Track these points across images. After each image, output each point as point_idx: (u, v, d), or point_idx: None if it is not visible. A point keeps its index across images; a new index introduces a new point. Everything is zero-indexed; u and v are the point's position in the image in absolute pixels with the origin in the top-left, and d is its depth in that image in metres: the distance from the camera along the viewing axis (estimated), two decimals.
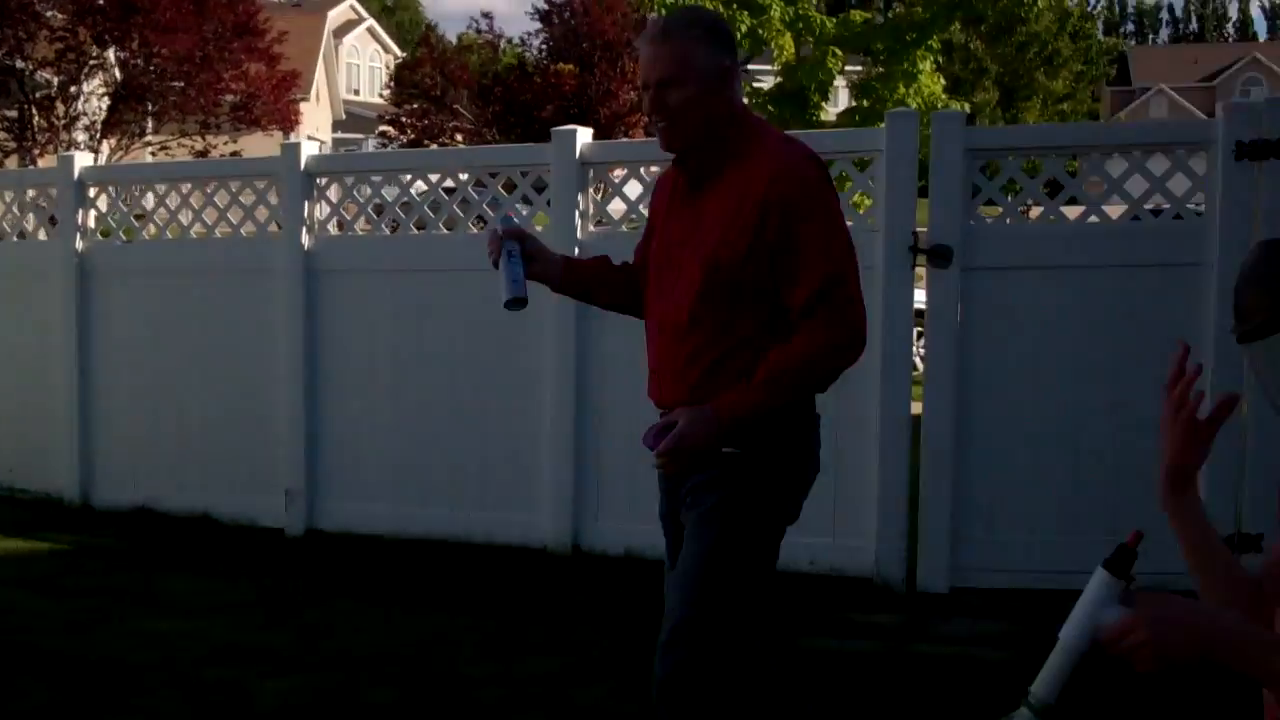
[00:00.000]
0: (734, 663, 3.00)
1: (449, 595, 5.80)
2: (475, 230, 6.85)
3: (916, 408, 5.90)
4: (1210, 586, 1.90)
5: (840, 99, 22.05)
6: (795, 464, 3.05)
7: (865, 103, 17.28)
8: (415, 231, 7.09)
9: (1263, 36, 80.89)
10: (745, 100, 3.13)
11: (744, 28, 16.58)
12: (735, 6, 16.62)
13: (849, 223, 6.28)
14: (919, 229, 5.78)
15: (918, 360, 6.33)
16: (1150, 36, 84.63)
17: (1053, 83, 60.95)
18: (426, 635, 5.24)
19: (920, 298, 5.98)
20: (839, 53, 17.29)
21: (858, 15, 18.45)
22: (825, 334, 2.91)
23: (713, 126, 2.99)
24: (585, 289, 3.38)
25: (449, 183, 7.27)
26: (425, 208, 6.99)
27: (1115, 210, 5.95)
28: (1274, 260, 1.82)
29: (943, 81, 18.21)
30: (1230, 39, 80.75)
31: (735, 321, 2.96)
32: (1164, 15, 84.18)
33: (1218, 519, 5.37)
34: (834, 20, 17.71)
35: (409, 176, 7.09)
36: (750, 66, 32.66)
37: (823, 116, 17.88)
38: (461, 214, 6.94)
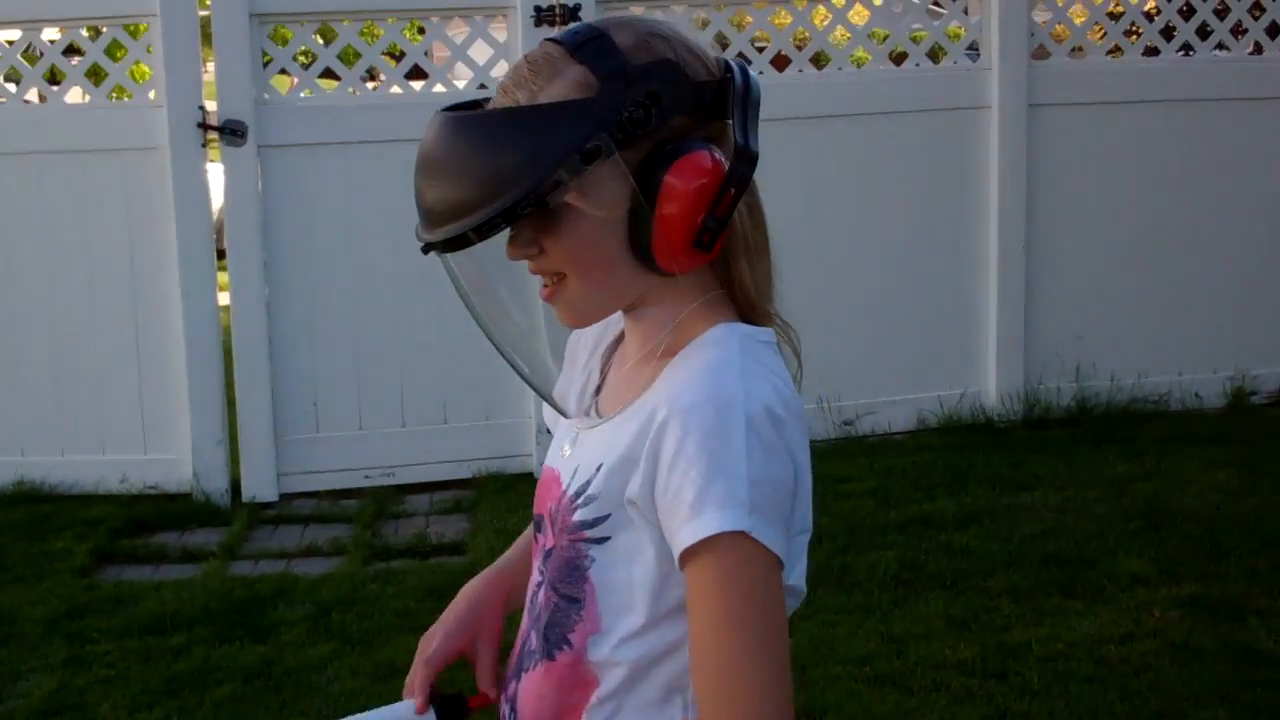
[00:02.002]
0: None
1: None
2: None
3: (225, 299, 5.37)
4: None
5: None
6: None
7: None
8: None
9: None
10: None
11: None
12: None
13: (128, 99, 5.63)
14: (207, 104, 5.18)
15: None
16: None
17: None
18: None
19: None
20: None
21: None
22: None
23: None
24: None
25: None
26: None
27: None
28: (458, 144, 1.31)
29: None
30: None
31: None
32: None
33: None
34: None
35: None
36: None
37: None
38: None
